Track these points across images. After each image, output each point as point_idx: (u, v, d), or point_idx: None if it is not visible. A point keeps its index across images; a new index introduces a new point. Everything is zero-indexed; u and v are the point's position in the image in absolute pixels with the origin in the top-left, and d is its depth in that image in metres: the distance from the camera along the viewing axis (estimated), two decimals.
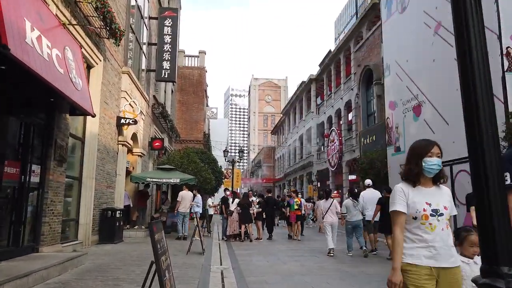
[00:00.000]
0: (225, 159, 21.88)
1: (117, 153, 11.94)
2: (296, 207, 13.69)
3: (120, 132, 12.04)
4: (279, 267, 7.70)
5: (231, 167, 21.34)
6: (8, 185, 6.10)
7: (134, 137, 14.17)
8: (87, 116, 9.26)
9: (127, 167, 13.41)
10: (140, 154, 14.62)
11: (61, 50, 6.23)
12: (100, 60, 9.78)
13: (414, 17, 14.61)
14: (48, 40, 5.69)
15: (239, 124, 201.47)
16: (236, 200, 12.74)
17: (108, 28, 9.22)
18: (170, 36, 16.31)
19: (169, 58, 16.21)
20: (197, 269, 6.86)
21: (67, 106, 7.19)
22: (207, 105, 31.05)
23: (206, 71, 32.81)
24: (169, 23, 16.37)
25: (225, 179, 20.44)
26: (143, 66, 15.67)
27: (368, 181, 11.44)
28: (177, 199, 12.24)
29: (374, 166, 16.36)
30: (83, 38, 8.48)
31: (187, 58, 29.09)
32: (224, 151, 21.92)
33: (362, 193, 10.71)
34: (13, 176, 6.12)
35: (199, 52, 29.16)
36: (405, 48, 14.94)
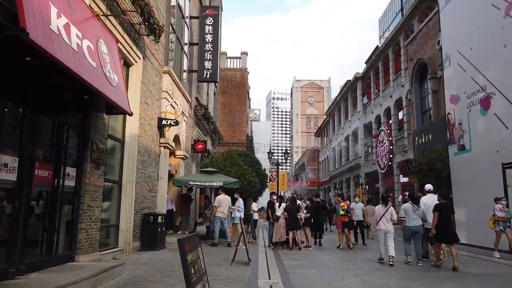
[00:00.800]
0: (270, 161, 21.01)
1: (159, 156, 11.50)
2: (342, 212, 12.42)
3: (161, 134, 11.61)
4: (337, 283, 6.74)
5: (275, 170, 20.42)
6: (40, 189, 5.65)
7: (177, 139, 13.74)
8: (127, 117, 8.85)
9: (169, 170, 12.99)
10: (182, 156, 14.19)
11: (94, 42, 5.72)
12: (140, 58, 9.34)
13: (479, 0, 13.07)
14: (78, 29, 5.18)
15: (282, 127, 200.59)
16: (283, 205, 11.88)
17: (146, 24, 8.76)
18: (212, 35, 15.82)
19: (211, 57, 15.71)
20: (243, 283, 6.08)
21: (102, 104, 6.72)
22: (249, 107, 30.50)
23: (248, 73, 32.31)
24: (210, 22, 15.89)
25: (270, 182, 19.58)
26: (185, 67, 15.27)
27: (428, 186, 10.27)
28: (214, 204, 11.58)
29: (434, 167, 14.86)
30: (121, 35, 8.04)
31: (229, 60, 28.71)
32: (268, 152, 21.03)
33: (422, 199, 9.69)
34: (45, 179, 5.68)
35: (241, 54, 28.69)
36: (468, 35, 13.40)
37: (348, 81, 39.09)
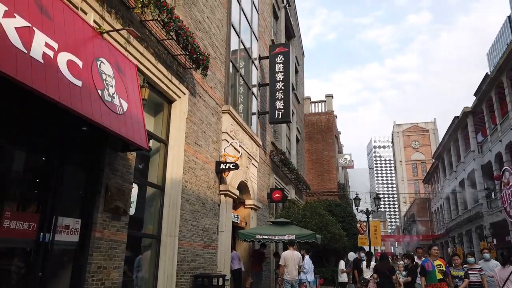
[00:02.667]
0: (357, 209, 17.98)
1: (219, 205, 10.04)
2: (439, 276, 7.52)
3: (222, 181, 10.22)
4: None
5: (366, 221, 17.40)
6: (17, 245, 4.45)
7: (244, 187, 12.24)
8: (168, 159, 7.67)
9: (235, 222, 11.39)
10: (253, 206, 12.53)
11: (85, 58, 4.63)
12: (185, 94, 8.29)
13: None
14: (53, 40, 4.12)
15: (386, 176, 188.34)
16: (372, 264, 9.23)
17: (187, 53, 7.76)
18: (282, 73, 14.60)
19: (282, 96, 14.37)
20: None
21: (117, 140, 5.54)
22: (339, 152, 28.06)
23: (336, 117, 30.27)
24: (280, 60, 14.77)
25: (360, 235, 16.58)
26: (254, 109, 14.12)
27: None
28: (279, 263, 9.45)
29: None
30: (154, 65, 7.10)
31: (313, 105, 27.23)
32: (354, 199, 18.02)
33: None
34: (26, 233, 4.47)
35: (325, 96, 27.04)
36: None
37: (455, 117, 34.30)
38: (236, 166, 9.89)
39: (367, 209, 16.24)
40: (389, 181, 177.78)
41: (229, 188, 10.24)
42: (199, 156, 9.01)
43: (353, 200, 17.69)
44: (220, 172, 10.04)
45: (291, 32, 22.75)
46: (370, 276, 9.07)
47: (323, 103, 26.91)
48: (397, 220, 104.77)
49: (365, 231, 15.83)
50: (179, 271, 7.68)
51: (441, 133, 64.36)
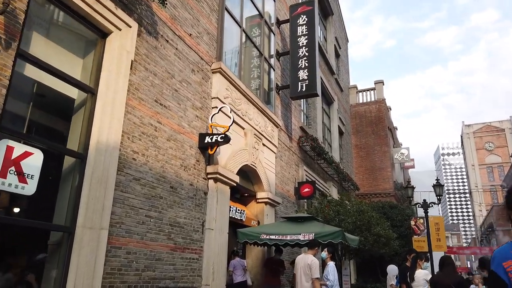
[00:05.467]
0: (410, 200, 13.79)
1: (205, 194, 7.34)
2: None
3: (210, 160, 7.54)
4: None
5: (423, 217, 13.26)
6: None
7: (255, 175, 9.46)
8: (95, 116, 5.18)
9: (238, 220, 8.59)
10: (268, 201, 9.64)
11: None
12: (130, 26, 5.78)
13: None
14: None
15: (458, 185, 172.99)
16: (423, 273, 5.83)
17: None
18: (306, 37, 11.68)
19: (306, 64, 11.42)
20: None
21: None
22: (394, 147, 24.05)
23: (390, 108, 26.35)
24: (303, 21, 11.89)
25: (415, 237, 12.70)
26: (272, 85, 11.37)
27: None
28: (294, 271, 6.43)
29: None
30: None
31: (360, 94, 23.70)
32: (406, 187, 13.77)
33: None
34: None
35: (374, 83, 23.40)
36: None
37: None
38: (226, 139, 7.15)
39: (424, 200, 12.34)
40: (461, 190, 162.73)
41: (221, 171, 7.50)
42: (164, 121, 6.43)
43: (417, 206, 13.75)
44: (205, 148, 7.37)
45: (328, 9, 19.74)
46: None
47: (372, 91, 23.31)
48: (473, 232, 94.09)
49: (423, 231, 12.12)
50: (113, 283, 5.05)
51: None
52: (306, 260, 6.41)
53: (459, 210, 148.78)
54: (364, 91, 23.56)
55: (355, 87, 23.62)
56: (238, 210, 8.55)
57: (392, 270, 8.82)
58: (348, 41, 25.14)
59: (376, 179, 20.86)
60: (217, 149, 7.70)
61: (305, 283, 6.27)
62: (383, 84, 23.32)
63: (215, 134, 7.28)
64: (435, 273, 5.78)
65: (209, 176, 7.44)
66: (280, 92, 11.92)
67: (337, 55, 21.35)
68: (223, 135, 7.18)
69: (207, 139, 7.27)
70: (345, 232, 8.36)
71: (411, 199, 13.01)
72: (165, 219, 6.19)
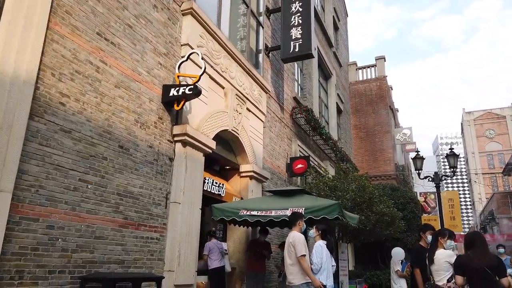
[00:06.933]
0: (418, 173, 12.25)
1: (171, 160, 5.94)
2: None
3: (178, 119, 6.13)
4: None
5: (434, 193, 11.74)
6: None
7: (237, 144, 8.07)
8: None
9: (216, 195, 7.21)
10: (253, 175, 8.25)
11: None
12: None
13: None
14: None
15: (456, 176, 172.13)
16: (446, 254, 4.43)
17: None
18: None
19: (299, 22, 9.95)
20: None
21: None
22: (396, 127, 22.64)
23: (392, 88, 24.90)
24: None
25: (424, 216, 11.33)
26: (260, 46, 9.93)
27: None
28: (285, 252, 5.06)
29: None
30: None
31: (360, 71, 22.20)
32: (414, 158, 12.19)
33: None
34: None
35: (375, 60, 21.89)
36: None
37: None
38: (195, 91, 5.71)
39: (436, 173, 10.83)
40: (460, 180, 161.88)
41: (192, 133, 6.09)
42: (111, 61, 4.99)
43: (411, 161, 12.20)
44: (171, 104, 5.95)
45: None
46: (449, 280, 4.36)
47: (372, 68, 21.82)
48: (471, 220, 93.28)
49: (433, 208, 10.71)
50: (24, 266, 3.67)
51: None
52: (289, 239, 5.06)
53: (461, 200, 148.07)
54: (364, 68, 22.05)
55: (355, 63, 22.10)
56: (216, 183, 7.16)
57: (397, 253, 7.48)
58: (347, 16, 23.56)
59: (376, 160, 19.50)
60: (189, 108, 6.32)
61: (290, 267, 4.91)
62: (385, 61, 21.84)
63: (182, 86, 5.84)
64: (463, 254, 4.40)
65: (176, 138, 6.04)
66: (270, 55, 10.46)
67: (336, 28, 19.80)
68: (192, 86, 5.74)
69: (173, 92, 5.84)
70: (344, 210, 7.01)
71: (420, 172, 11.55)
72: (111, 187, 4.80)
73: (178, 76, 6.11)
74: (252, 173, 8.22)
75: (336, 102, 17.59)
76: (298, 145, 11.57)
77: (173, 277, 5.54)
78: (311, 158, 12.22)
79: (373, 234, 8.81)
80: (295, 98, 11.90)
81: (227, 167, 8.33)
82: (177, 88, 5.83)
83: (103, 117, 4.78)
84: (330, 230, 7.80)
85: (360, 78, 21.72)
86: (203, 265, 6.90)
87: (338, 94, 18.03)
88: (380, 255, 14.45)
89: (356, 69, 22.06)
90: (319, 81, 15.56)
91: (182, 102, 5.88)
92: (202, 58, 6.12)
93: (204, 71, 6.03)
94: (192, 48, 6.49)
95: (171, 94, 5.85)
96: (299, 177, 10.71)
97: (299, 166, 10.46)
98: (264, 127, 9.37)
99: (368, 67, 21.90)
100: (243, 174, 8.26)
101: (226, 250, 7.64)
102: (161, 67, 5.98)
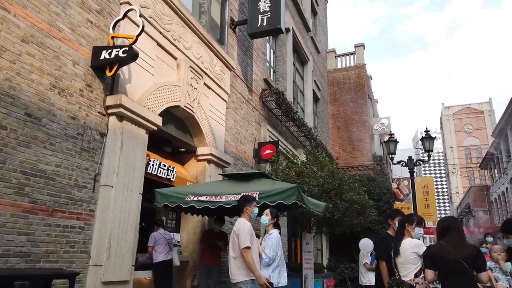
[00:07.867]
0: (391, 158, 11.50)
1: (102, 136, 5.04)
2: None
3: (112, 88, 5.23)
4: None
5: (408, 178, 11.06)
6: None
7: (193, 123, 7.22)
8: None
9: (165, 179, 6.34)
10: (212, 158, 7.41)
11: None
12: None
13: None
14: None
15: (434, 168, 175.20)
16: (414, 244, 3.69)
17: None
18: None
19: None
20: None
21: None
22: (373, 116, 22.12)
23: (371, 78, 24.35)
24: None
25: (396, 202, 10.72)
26: (226, 18, 9.04)
27: None
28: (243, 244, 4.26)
29: None
30: None
31: (339, 59, 21.51)
32: (386, 141, 11.43)
33: None
34: None
35: (355, 47, 21.23)
36: None
37: None
38: (131, 54, 4.81)
39: (410, 157, 10.19)
40: (438, 174, 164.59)
41: (130, 105, 5.19)
42: (16, 10, 4.05)
43: (384, 145, 11.53)
44: (102, 69, 5.04)
45: None
46: (417, 275, 3.63)
47: (351, 56, 21.15)
48: (448, 213, 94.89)
49: (407, 195, 10.11)
50: None
51: (499, 114, 56.22)
52: (234, 228, 4.26)
53: (437, 193, 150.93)
54: (343, 55, 21.36)
55: (334, 51, 21.40)
56: (164, 165, 6.28)
57: (365, 245, 6.79)
58: (327, 2, 22.81)
59: (353, 150, 18.90)
60: (128, 77, 5.42)
61: (233, 261, 4.11)
62: (364, 48, 21.19)
63: (116, 47, 4.93)
64: (433, 244, 3.69)
65: (109, 110, 5.14)
66: (238, 32, 9.60)
67: (314, 13, 19.03)
68: (127, 48, 4.84)
69: (104, 55, 4.93)
70: (309, 197, 6.25)
71: (393, 157, 10.83)
72: (12, 163, 3.88)
73: (112, 37, 5.20)
74: (210, 157, 7.38)
75: (313, 89, 16.86)
76: (268, 130, 10.77)
77: (100, 272, 4.68)
78: (283, 145, 11.46)
79: (342, 224, 8.10)
80: (265, 80, 11.08)
81: (182, 149, 7.46)
82: (109, 50, 4.92)
83: (1, 77, 3.85)
84: (297, 218, 7.06)
85: (339, 66, 21.04)
86: (148, 258, 6.07)
87: (315, 81, 17.30)
88: (355, 247, 13.86)
89: (335, 56, 21.36)
90: (294, 65, 14.78)
91: (115, 67, 4.96)
92: (141, 16, 5.21)
93: (143, 30, 5.12)
94: (137, 10, 5.56)
95: (102, 57, 4.93)
96: (268, 164, 9.92)
97: (268, 151, 9.67)
98: (227, 108, 8.52)
99: (347, 54, 21.23)
100: (200, 158, 7.41)
101: (178, 241, 6.83)
102: (91, 25, 5.04)
